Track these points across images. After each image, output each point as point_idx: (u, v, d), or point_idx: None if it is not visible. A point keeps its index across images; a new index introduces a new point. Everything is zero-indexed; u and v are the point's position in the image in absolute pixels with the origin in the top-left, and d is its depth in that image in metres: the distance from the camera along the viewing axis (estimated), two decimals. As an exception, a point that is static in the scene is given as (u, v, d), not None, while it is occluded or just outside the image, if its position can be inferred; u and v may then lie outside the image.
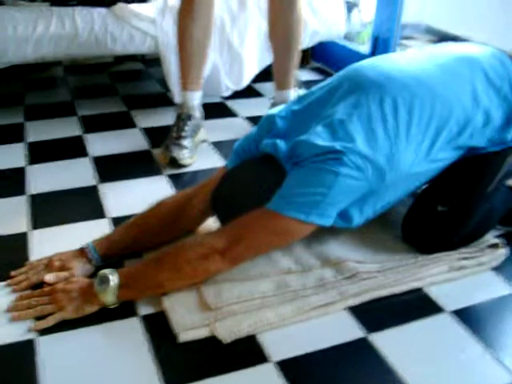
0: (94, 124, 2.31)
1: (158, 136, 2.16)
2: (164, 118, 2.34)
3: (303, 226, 1.20)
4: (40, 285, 1.28)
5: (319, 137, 1.22)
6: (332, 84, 1.39)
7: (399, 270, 1.36)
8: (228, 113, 2.47)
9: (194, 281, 1.26)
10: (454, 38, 3.56)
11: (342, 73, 1.42)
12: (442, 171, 1.36)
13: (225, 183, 1.34)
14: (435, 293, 1.32)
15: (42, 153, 2.04)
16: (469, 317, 1.25)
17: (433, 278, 1.35)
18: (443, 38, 3.75)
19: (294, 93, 2.18)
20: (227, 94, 2.51)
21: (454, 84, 1.33)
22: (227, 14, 2.40)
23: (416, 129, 1.25)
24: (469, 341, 1.19)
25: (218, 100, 2.59)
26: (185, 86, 2.03)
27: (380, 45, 2.76)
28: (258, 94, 2.70)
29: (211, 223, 1.44)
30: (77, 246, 1.37)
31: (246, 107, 2.52)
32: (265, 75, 2.62)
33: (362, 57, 2.70)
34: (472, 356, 1.15)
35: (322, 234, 1.40)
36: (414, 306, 1.28)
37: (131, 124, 2.32)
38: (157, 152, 2.04)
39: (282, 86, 2.17)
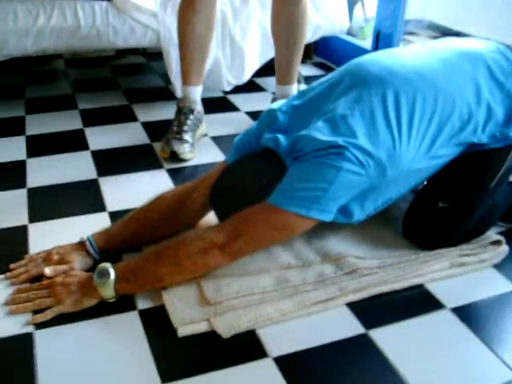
0: (94, 117, 2.30)
1: (158, 130, 2.15)
2: (165, 112, 2.33)
3: (304, 221, 1.20)
4: (39, 278, 1.28)
5: (320, 132, 1.21)
6: (333, 79, 1.38)
7: (400, 266, 1.35)
8: (229, 107, 2.47)
9: (193, 275, 1.25)
10: (457, 34, 3.55)
11: (343, 68, 1.41)
12: (443, 167, 1.35)
13: (224, 178, 1.34)
14: (436, 289, 1.31)
15: (42, 146, 2.03)
16: (469, 314, 1.25)
17: (434, 274, 1.34)
18: (446, 34, 3.74)
19: (295, 88, 2.17)
20: (229, 88, 2.50)
21: (457, 79, 1.32)
22: (229, 8, 2.39)
23: (418, 124, 1.24)
24: (469, 337, 1.18)
25: (219, 94, 2.58)
26: (186, 80, 2.02)
27: (382, 40, 2.75)
28: (259, 89, 2.69)
29: (211, 217, 1.43)
30: (76, 239, 1.37)
31: (248, 102, 2.52)
32: (266, 70, 2.61)
33: (364, 52, 2.69)
34: (472, 353, 1.15)
35: (322, 229, 1.39)
36: (415, 302, 1.28)
37: (132, 118, 2.31)
38: (157, 146, 2.03)
39: (284, 80, 2.16)
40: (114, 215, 1.57)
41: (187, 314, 1.18)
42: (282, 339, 1.15)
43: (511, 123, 1.34)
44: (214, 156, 1.98)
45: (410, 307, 1.26)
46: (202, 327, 1.16)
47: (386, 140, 1.21)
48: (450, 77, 1.32)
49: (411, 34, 3.78)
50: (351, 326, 1.20)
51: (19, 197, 1.68)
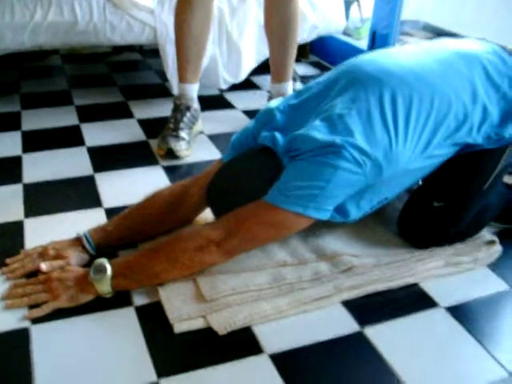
0: (90, 114, 2.30)
1: (154, 127, 2.15)
2: (161, 109, 2.33)
3: (300, 219, 1.20)
4: (35, 273, 1.28)
5: (318, 131, 1.22)
6: (330, 78, 1.39)
7: (395, 264, 1.36)
8: (225, 105, 2.47)
9: (189, 272, 1.25)
10: (452, 35, 3.56)
11: (340, 67, 1.42)
12: (438, 167, 1.35)
13: (221, 175, 1.34)
14: (430, 288, 1.32)
15: (38, 141, 2.03)
16: (463, 312, 1.26)
17: (428, 273, 1.35)
18: (441, 35, 3.75)
19: (291, 86, 2.17)
20: (225, 86, 2.50)
21: (453, 79, 1.33)
22: (227, 5, 2.39)
23: (414, 124, 1.25)
24: (463, 336, 1.19)
25: (215, 92, 2.58)
26: (182, 78, 2.02)
27: (378, 40, 2.75)
28: (255, 87, 2.70)
29: (208, 214, 1.44)
30: (72, 235, 1.37)
31: (244, 100, 2.52)
32: (263, 68, 2.61)
33: (360, 52, 2.69)
34: (466, 350, 1.16)
35: (318, 227, 1.40)
36: (409, 300, 1.29)
37: (128, 114, 2.31)
38: (153, 143, 2.03)
39: (278, 78, 2.16)
40: (110, 211, 1.57)
41: (183, 311, 1.18)
42: (277, 336, 1.16)
43: (506, 124, 1.35)
44: (209, 153, 1.98)
45: (404, 305, 1.27)
46: (198, 323, 1.17)
47: (383, 139, 1.21)
48: (446, 77, 1.32)
49: (407, 34, 3.79)
50: (346, 324, 1.21)
51: (15, 192, 1.67)
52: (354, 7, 3.33)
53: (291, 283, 1.28)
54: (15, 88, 2.57)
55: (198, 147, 2.02)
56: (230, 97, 2.55)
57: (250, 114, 2.35)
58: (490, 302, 1.31)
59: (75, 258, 1.32)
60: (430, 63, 1.35)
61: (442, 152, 1.31)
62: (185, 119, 1.98)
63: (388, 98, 1.26)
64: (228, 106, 2.46)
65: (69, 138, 2.07)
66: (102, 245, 1.35)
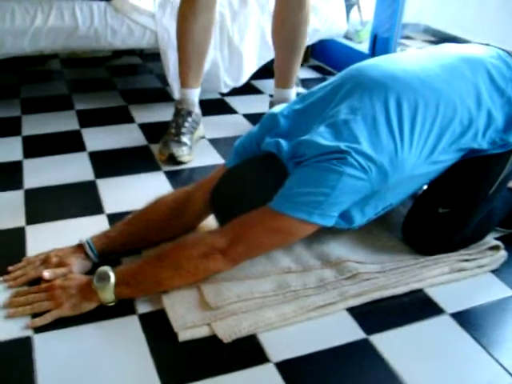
0: (91, 118, 2.29)
1: (156, 131, 2.14)
2: (162, 114, 2.32)
3: (305, 225, 1.19)
4: (37, 281, 1.27)
5: (323, 137, 1.21)
6: (334, 83, 1.38)
7: (400, 271, 1.35)
8: (226, 109, 2.46)
9: (194, 279, 1.24)
10: (453, 39, 3.57)
11: (344, 72, 1.41)
12: (443, 172, 1.35)
13: (225, 182, 1.33)
14: (435, 294, 1.32)
15: (39, 147, 2.02)
16: (469, 319, 1.25)
17: (433, 279, 1.35)
18: (442, 38, 3.76)
19: (294, 92, 2.17)
20: (226, 90, 2.50)
21: (458, 84, 1.32)
22: (228, 9, 2.39)
23: (420, 129, 1.24)
24: (469, 342, 1.19)
25: (216, 96, 2.57)
26: (184, 83, 2.01)
27: (379, 44, 2.75)
28: (256, 91, 2.69)
29: (212, 220, 1.43)
30: (74, 241, 1.36)
31: (245, 104, 2.51)
32: (264, 72, 2.61)
33: (361, 55, 2.72)
34: (472, 358, 1.15)
35: (322, 233, 1.39)
36: (415, 307, 1.28)
37: (129, 119, 2.30)
38: (155, 148, 2.02)
39: (283, 84, 2.16)
40: (113, 217, 1.56)
41: (188, 319, 1.17)
42: (283, 344, 1.15)
43: (511, 129, 1.35)
44: (211, 158, 1.97)
45: (410, 312, 1.26)
46: (202, 332, 1.16)
47: (388, 145, 1.21)
48: (450, 82, 1.32)
49: (408, 38, 3.80)
50: (352, 331, 1.20)
51: (16, 198, 1.66)
52: (354, 10, 3.34)
53: (296, 290, 1.27)
54: (15, 93, 2.56)
55: (199, 152, 2.01)
56: (231, 101, 2.55)
57: (252, 118, 2.34)
58: (495, 307, 1.30)
59: (78, 265, 1.31)
60: (434, 68, 1.34)
61: (447, 157, 1.30)
62: (186, 124, 1.98)
63: (393, 103, 1.25)
64: (229, 110, 2.46)
65: (70, 142, 2.06)
66: (105, 251, 1.35)
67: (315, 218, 1.18)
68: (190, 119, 1.99)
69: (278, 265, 1.34)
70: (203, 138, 2.13)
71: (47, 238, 1.45)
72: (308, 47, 2.98)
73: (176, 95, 2.32)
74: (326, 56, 3.13)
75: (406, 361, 1.13)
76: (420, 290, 1.32)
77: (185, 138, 1.93)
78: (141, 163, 1.92)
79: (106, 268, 1.21)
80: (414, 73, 1.32)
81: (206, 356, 1.12)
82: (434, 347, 1.17)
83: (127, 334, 1.16)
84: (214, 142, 2.11)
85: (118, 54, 3.15)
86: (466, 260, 1.41)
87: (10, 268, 1.32)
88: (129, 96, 2.57)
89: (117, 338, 1.15)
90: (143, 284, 1.22)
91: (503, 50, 1.45)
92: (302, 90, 2.40)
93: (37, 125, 2.21)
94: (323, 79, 2.87)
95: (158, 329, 1.17)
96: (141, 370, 1.08)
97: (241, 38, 2.41)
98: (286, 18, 2.04)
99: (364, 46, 3.00)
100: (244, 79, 2.51)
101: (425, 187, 1.44)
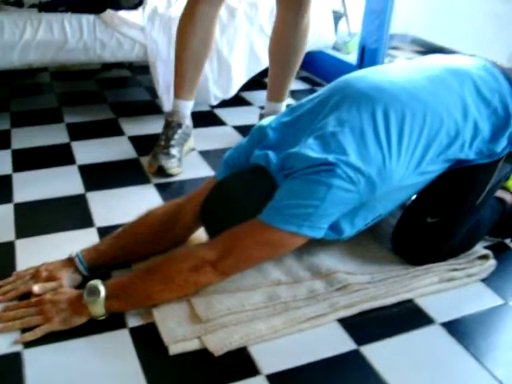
0: (81, 131, 2.29)
1: (145, 144, 2.14)
2: (152, 126, 2.33)
3: (295, 238, 1.20)
4: (27, 295, 1.26)
5: (311, 149, 1.22)
6: (322, 96, 1.39)
7: (390, 281, 1.36)
8: (216, 122, 2.47)
9: (184, 293, 1.24)
10: (440, 49, 3.60)
11: (332, 84, 1.42)
12: (430, 183, 1.36)
13: (215, 195, 1.33)
14: (425, 304, 1.32)
15: (28, 160, 2.01)
16: (459, 328, 1.26)
17: (423, 289, 1.35)
18: (429, 48, 3.79)
19: (285, 105, 2.18)
20: (215, 102, 2.50)
21: (445, 96, 1.33)
22: (217, 22, 2.39)
23: (407, 141, 1.25)
24: (459, 352, 1.19)
25: (206, 108, 2.58)
26: (178, 94, 2.01)
27: (367, 55, 2.77)
28: (246, 103, 2.70)
29: (203, 233, 1.43)
30: (64, 255, 1.36)
31: (234, 116, 2.52)
32: (253, 84, 2.62)
33: (349, 66, 2.74)
34: (463, 367, 1.16)
35: (312, 245, 1.39)
36: (405, 317, 1.29)
37: (119, 132, 2.30)
38: (145, 160, 2.02)
39: (275, 98, 2.17)
40: (103, 231, 1.56)
41: (178, 332, 1.17)
42: (274, 356, 1.15)
43: (497, 139, 1.36)
44: (201, 171, 1.97)
45: (400, 322, 1.27)
46: (193, 345, 1.16)
47: (376, 157, 1.21)
48: (437, 94, 1.33)
49: (395, 48, 3.83)
50: (343, 342, 1.20)
51: (6, 212, 1.66)
52: (342, 22, 3.36)
53: (286, 302, 1.27)
54: (5, 106, 2.55)
55: (189, 164, 2.01)
56: (221, 113, 2.55)
57: (241, 130, 2.35)
58: (486, 316, 1.31)
59: (68, 279, 1.31)
60: (421, 80, 1.35)
61: (434, 168, 1.31)
62: (176, 136, 1.98)
63: (381, 114, 1.26)
64: (219, 122, 2.46)
65: (59, 156, 2.06)
66: (95, 265, 1.34)
67: (305, 230, 1.18)
68: (179, 131, 1.99)
69: (268, 277, 1.34)
70: (194, 150, 2.13)
71: (37, 252, 1.44)
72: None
73: (166, 107, 2.32)
74: (315, 67, 3.15)
75: (397, 371, 1.13)
76: (410, 301, 1.33)
77: (174, 151, 1.94)
78: (131, 176, 1.92)
79: (96, 282, 1.21)
80: (401, 85, 1.33)
81: (197, 369, 1.12)
82: (424, 357, 1.17)
83: (118, 347, 1.16)
84: (205, 154, 2.12)
85: (108, 66, 3.16)
86: (456, 269, 1.42)
87: (0, 283, 1.32)
88: (118, 109, 2.57)
89: (107, 352, 1.15)
90: (133, 298, 1.22)
91: (489, 60, 1.47)
92: (290, 101, 2.41)
93: (26, 138, 2.20)
94: (312, 90, 2.89)
95: (148, 342, 1.17)
96: (131, 384, 1.07)
97: (229, 50, 2.43)
98: (285, 38, 2.05)
99: (352, 57, 3.02)
100: (233, 91, 2.52)
101: (414, 197, 1.45)
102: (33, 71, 2.96)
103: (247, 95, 2.76)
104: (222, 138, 2.28)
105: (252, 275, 1.33)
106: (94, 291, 1.19)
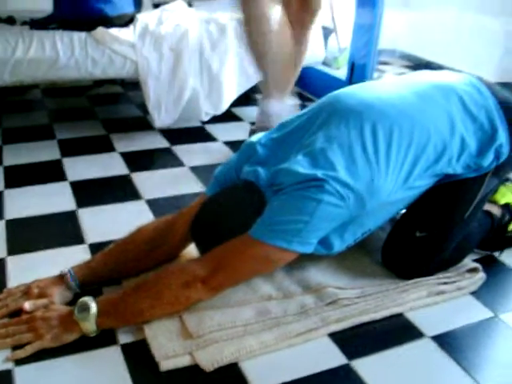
0: (72, 148, 2.29)
1: (137, 160, 2.16)
2: (143, 142, 2.34)
3: (285, 253, 1.21)
4: (18, 312, 1.26)
5: (300, 165, 1.23)
6: (312, 112, 1.40)
7: (379, 295, 1.36)
8: (207, 137, 2.48)
9: (175, 309, 1.24)
10: (428, 64, 3.64)
11: (321, 101, 1.44)
12: (419, 197, 1.37)
13: (205, 211, 1.34)
14: (415, 318, 1.33)
15: (20, 176, 2.02)
16: (449, 341, 1.26)
17: (413, 303, 1.36)
18: (417, 63, 3.83)
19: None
20: (206, 118, 2.52)
21: (432, 111, 1.35)
22: (207, 39, 2.41)
23: (395, 156, 1.27)
24: (450, 365, 1.20)
25: (197, 124, 2.59)
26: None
27: (357, 70, 2.80)
28: (236, 119, 2.72)
29: (194, 249, 1.43)
30: (55, 272, 1.36)
31: (225, 132, 2.53)
32: (243, 99, 2.63)
33: (339, 82, 2.76)
34: (454, 380, 1.16)
35: (302, 260, 1.39)
36: (396, 331, 1.29)
37: (110, 148, 2.31)
38: (136, 176, 2.01)
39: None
40: (94, 247, 1.56)
41: (169, 348, 1.17)
42: (265, 371, 1.15)
43: (484, 154, 1.37)
44: (193, 187, 1.98)
45: (391, 336, 1.27)
46: (184, 361, 1.16)
47: (365, 172, 1.23)
48: (424, 109, 1.35)
49: (384, 63, 3.86)
50: (333, 357, 1.20)
51: (-3, 229, 1.66)
52: (332, 37, 3.39)
53: (277, 317, 1.27)
54: (-4, 123, 2.56)
55: (180, 180, 2.02)
56: (212, 129, 2.57)
57: (232, 145, 2.36)
58: (475, 330, 1.31)
59: (59, 296, 1.31)
60: (408, 96, 1.37)
61: (422, 183, 1.33)
62: None
63: (369, 130, 1.28)
64: (210, 138, 2.48)
65: (51, 172, 2.06)
66: (87, 282, 1.35)
67: (295, 245, 1.19)
68: None
69: (258, 292, 1.35)
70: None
71: (28, 269, 1.44)
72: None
73: (157, 124, 2.34)
74: (305, 83, 3.17)
75: (388, 385, 1.14)
76: (400, 314, 1.34)
77: None
78: (122, 192, 1.93)
79: (87, 298, 1.21)
80: (389, 101, 1.35)
81: (188, 385, 1.12)
82: (415, 371, 1.18)
83: (109, 364, 1.16)
84: (196, 170, 2.12)
85: (99, 83, 3.16)
86: (445, 283, 1.42)
87: (-9, 300, 1.32)
88: (110, 125, 2.58)
89: (99, 369, 1.15)
90: (125, 314, 1.22)
91: (476, 76, 1.49)
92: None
93: (18, 155, 2.21)
94: (302, 105, 2.91)
95: (140, 359, 1.17)
96: (123, 401, 1.08)
97: (220, 66, 2.44)
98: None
99: (342, 73, 3.04)
100: (224, 107, 2.53)
101: (403, 211, 1.46)
102: (24, 88, 2.97)
103: (238, 111, 2.78)
104: (213, 153, 2.29)
105: (243, 290, 1.34)
106: (86, 308, 1.19)
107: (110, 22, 2.29)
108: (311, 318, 1.28)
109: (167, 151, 2.30)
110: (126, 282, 1.39)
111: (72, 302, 1.27)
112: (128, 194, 1.91)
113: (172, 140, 2.40)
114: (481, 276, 1.47)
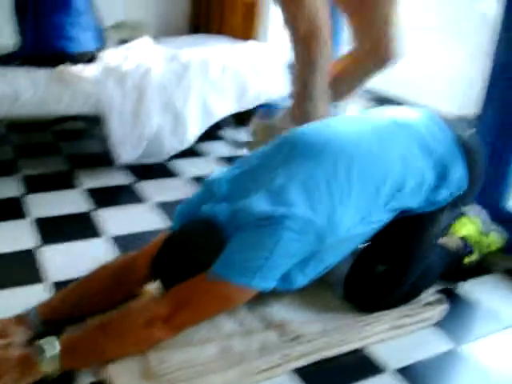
0: (37, 183, 2.26)
1: (101, 196, 2.14)
2: (108, 179, 2.33)
3: (247, 290, 1.22)
4: (-24, 355, 1.23)
5: (260, 202, 1.25)
6: (273, 149, 1.43)
7: (342, 330, 1.37)
8: (171, 173, 2.47)
9: (138, 348, 1.24)
10: (389, 100, 3.71)
11: (282, 138, 1.46)
12: (378, 231, 1.40)
13: (166, 248, 1.34)
14: (379, 351, 1.34)
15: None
16: (411, 374, 1.28)
17: (375, 336, 1.37)
18: (380, 99, 3.90)
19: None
20: (172, 153, 2.51)
21: (391, 148, 1.39)
22: (171, 75, 2.43)
23: (354, 192, 1.29)
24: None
25: (160, 160, 2.58)
26: None
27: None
28: (201, 154, 2.72)
29: (157, 286, 1.43)
30: (16, 311, 1.33)
31: (189, 167, 2.53)
32: (206, 137, 2.65)
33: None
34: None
35: (266, 296, 1.39)
36: (359, 365, 1.30)
37: (75, 184, 2.29)
38: (101, 212, 2.01)
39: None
40: (57, 285, 1.54)
41: (133, 388, 1.16)
42: (228, 410, 1.15)
43: (441, 188, 1.41)
44: (157, 222, 1.98)
45: (353, 371, 1.28)
46: (148, 401, 1.14)
47: (324, 208, 1.25)
48: (384, 146, 1.38)
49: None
50: (297, 393, 1.21)
51: (-44, 269, 1.63)
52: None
53: (240, 354, 1.27)
54: (-42, 159, 2.52)
55: (145, 217, 2.01)
56: (177, 164, 2.56)
57: (196, 181, 2.37)
58: (438, 361, 1.33)
59: (20, 335, 1.28)
60: (368, 133, 1.41)
61: (381, 218, 1.35)
62: None
63: (328, 167, 1.30)
64: (175, 173, 2.47)
65: (13, 209, 2.03)
66: (49, 320, 1.32)
67: (256, 281, 1.20)
68: None
69: (221, 329, 1.35)
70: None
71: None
72: (250, 110, 3.03)
73: (119, 160, 2.33)
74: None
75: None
76: (364, 348, 1.35)
77: None
78: (85, 229, 1.91)
79: (47, 339, 1.19)
80: (349, 138, 1.38)
81: (150, 426, 1.10)
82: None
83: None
84: (162, 206, 2.12)
85: (64, 118, 3.15)
86: (408, 315, 1.44)
87: (-51, 342, 1.28)
88: (74, 160, 2.56)
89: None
90: (87, 354, 1.21)
91: (434, 111, 1.53)
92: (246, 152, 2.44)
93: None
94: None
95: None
96: None
97: (184, 101, 2.45)
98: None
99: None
100: (189, 141, 2.53)
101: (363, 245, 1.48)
102: (-13, 123, 2.94)
103: (201, 147, 2.78)
104: (179, 189, 2.29)
105: (206, 328, 1.34)
106: (48, 348, 1.17)
107: (73, 59, 2.29)
108: (273, 355, 1.28)
109: (131, 187, 2.29)
110: (90, 320, 1.36)
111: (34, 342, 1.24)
112: (91, 231, 1.89)
113: (136, 176, 2.39)
114: (443, 307, 1.49)
